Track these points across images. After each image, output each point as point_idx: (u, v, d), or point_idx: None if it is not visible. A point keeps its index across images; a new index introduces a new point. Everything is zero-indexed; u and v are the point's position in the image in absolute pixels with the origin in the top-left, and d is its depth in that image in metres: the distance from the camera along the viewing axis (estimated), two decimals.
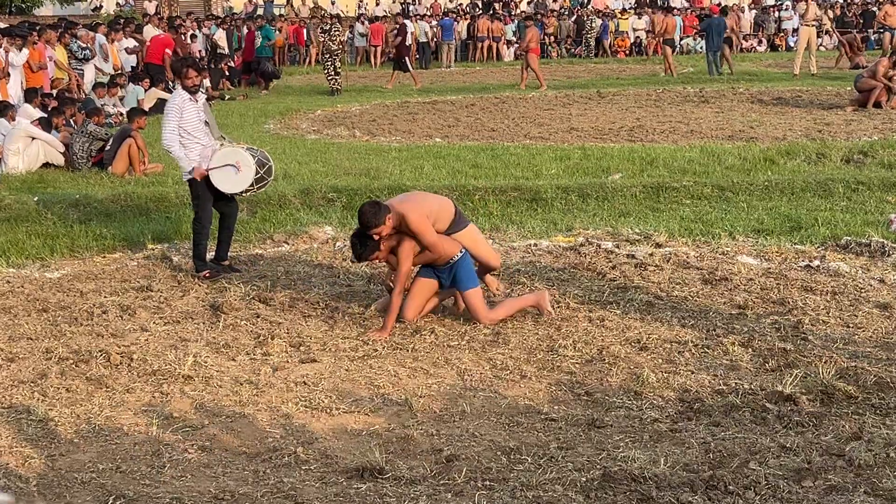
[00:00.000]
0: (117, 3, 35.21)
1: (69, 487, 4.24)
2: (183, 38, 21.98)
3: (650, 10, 34.58)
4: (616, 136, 13.85)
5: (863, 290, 6.70)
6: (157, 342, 6.07)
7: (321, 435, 4.71)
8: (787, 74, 22.74)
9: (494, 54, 32.64)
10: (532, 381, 5.34)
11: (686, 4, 37.01)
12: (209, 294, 7.13)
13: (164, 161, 11.86)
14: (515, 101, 19.23)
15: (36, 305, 6.86)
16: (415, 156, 12.25)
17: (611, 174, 10.58)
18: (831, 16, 31.44)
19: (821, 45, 30.35)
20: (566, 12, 35.52)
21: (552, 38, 33.57)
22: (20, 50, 15.61)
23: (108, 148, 12.19)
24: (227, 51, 25.63)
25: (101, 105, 15.79)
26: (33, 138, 12.37)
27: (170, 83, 18.26)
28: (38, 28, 18.24)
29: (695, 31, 31.07)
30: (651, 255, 7.70)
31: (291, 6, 35.55)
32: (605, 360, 5.57)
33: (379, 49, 30.50)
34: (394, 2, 35.93)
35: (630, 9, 36.97)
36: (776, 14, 36.17)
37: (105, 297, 7.07)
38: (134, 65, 20.76)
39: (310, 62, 30.25)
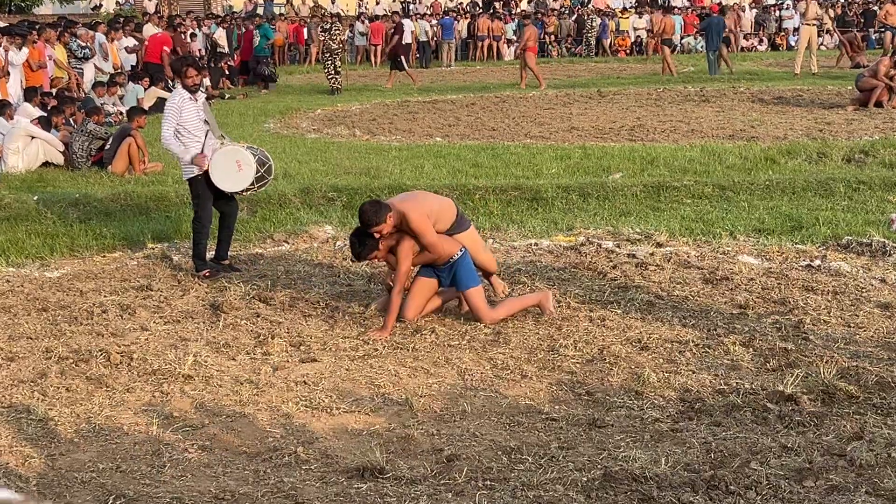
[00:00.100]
0: (117, 2, 35.17)
1: (69, 487, 4.23)
2: (183, 36, 21.97)
3: (650, 9, 34.57)
4: (617, 136, 13.84)
5: (864, 290, 6.69)
6: (157, 341, 6.06)
7: (321, 435, 4.71)
8: (788, 74, 22.73)
9: (495, 53, 32.63)
10: (533, 380, 5.33)
11: (687, 3, 37.00)
12: (209, 293, 7.12)
13: (163, 160, 11.86)
14: (516, 100, 19.23)
15: (36, 305, 6.85)
16: (415, 155, 12.24)
17: (611, 173, 10.57)
18: (832, 15, 31.45)
19: (822, 44, 30.35)
20: (567, 11, 35.51)
21: (552, 37, 33.57)
22: (20, 49, 15.60)
23: (107, 147, 12.18)
24: (226, 50, 25.62)
25: (101, 104, 15.78)
26: (33, 137, 12.36)
27: (169, 82, 18.25)
28: (37, 27, 18.23)
29: (696, 30, 31.06)
30: (652, 254, 7.69)
31: (291, 5, 35.53)
32: (605, 359, 5.56)
33: (379, 48, 30.51)
34: (394, 1, 35.92)
35: (631, 8, 36.97)
36: (777, 13, 36.17)
37: (105, 296, 7.07)
38: (134, 64, 20.76)
39: (310, 61, 30.24)
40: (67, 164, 12.31)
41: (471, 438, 4.62)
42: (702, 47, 27.69)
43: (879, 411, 4.74)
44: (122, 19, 22.91)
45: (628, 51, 33.52)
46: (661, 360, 5.54)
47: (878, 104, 15.86)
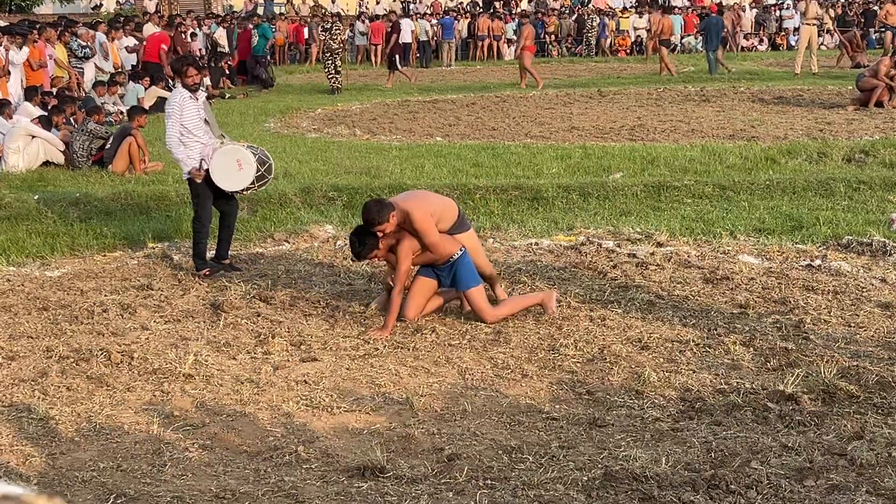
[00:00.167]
0: (117, 2, 35.16)
1: (70, 486, 4.23)
2: (183, 36, 21.97)
3: (650, 9, 34.56)
4: (617, 135, 13.84)
5: (864, 290, 6.69)
6: (157, 341, 6.06)
7: (322, 434, 4.71)
8: (789, 73, 22.73)
9: (495, 53, 32.64)
10: (533, 380, 5.33)
11: (687, 3, 37.00)
12: (210, 293, 7.13)
13: (164, 159, 11.85)
14: (516, 99, 19.22)
15: (36, 304, 6.85)
16: (415, 155, 12.24)
17: (612, 173, 10.57)
18: (832, 15, 31.45)
19: (822, 44, 30.34)
20: (567, 11, 35.51)
21: (553, 36, 33.56)
22: (20, 48, 15.60)
23: (108, 146, 12.18)
24: (227, 49, 25.61)
25: (102, 103, 15.77)
26: (33, 137, 12.36)
27: (170, 81, 18.25)
28: (38, 26, 18.24)
29: (696, 29, 31.07)
30: (652, 254, 7.69)
31: (292, 4, 35.51)
32: (606, 359, 5.56)
33: (379, 48, 30.50)
34: (394, 0, 35.92)
35: (631, 7, 36.96)
36: (777, 13, 36.17)
37: (105, 295, 7.07)
38: (134, 63, 20.76)
39: (310, 61, 30.24)
40: (68, 164, 12.31)
41: (471, 438, 4.62)
42: (702, 47, 27.69)
43: (880, 411, 4.74)
44: (122, 19, 22.93)
45: (628, 50, 33.52)
46: (662, 360, 5.54)
47: (879, 104, 15.86)
